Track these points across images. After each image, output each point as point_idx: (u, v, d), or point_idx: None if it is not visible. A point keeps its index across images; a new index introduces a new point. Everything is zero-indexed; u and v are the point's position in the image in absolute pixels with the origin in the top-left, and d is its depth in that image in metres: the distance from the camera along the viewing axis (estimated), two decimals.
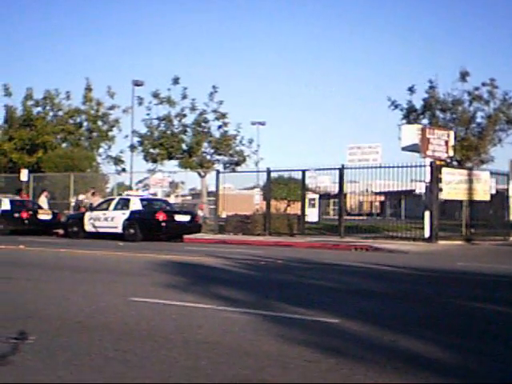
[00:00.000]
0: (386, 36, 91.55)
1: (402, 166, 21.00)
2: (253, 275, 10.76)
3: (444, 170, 21.05)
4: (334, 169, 22.49)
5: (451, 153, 22.43)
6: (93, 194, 27.43)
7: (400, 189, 26.56)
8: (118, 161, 37.01)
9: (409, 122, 28.09)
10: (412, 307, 7.45)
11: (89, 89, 37.08)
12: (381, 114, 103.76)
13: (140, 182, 34.72)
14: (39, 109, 37.27)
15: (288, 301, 7.48)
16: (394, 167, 20.88)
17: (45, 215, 25.89)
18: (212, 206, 32.13)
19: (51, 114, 37.43)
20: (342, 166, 22.10)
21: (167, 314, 6.51)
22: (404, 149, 21.72)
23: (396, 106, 29.93)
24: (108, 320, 6.13)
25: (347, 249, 18.60)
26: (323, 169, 23.46)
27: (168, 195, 31.01)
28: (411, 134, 21.59)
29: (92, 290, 8.25)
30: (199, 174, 31.08)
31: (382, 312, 6.96)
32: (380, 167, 20.95)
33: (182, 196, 39.67)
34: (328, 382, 4.08)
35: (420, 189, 22.74)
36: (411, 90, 29.57)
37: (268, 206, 24.57)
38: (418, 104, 29.92)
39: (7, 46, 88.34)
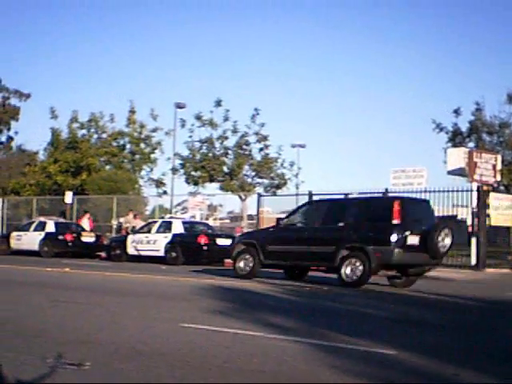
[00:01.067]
0: (431, 56, 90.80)
1: (449, 191, 20.57)
2: (299, 301, 10.64)
3: (492, 194, 20.61)
4: (378, 193, 22.20)
5: (498, 177, 21.98)
6: (134, 216, 27.67)
7: (441, 214, 26.04)
8: (159, 183, 37.36)
9: (454, 146, 27.65)
10: (470, 338, 7.22)
11: (132, 111, 37.66)
12: (425, 137, 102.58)
13: (178, 204, 34.89)
14: (84, 131, 37.96)
15: (338, 329, 7.34)
16: (440, 191, 20.44)
17: (88, 238, 26.20)
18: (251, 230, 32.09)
19: (95, 136, 38.09)
20: (386, 189, 21.82)
21: (219, 341, 6.44)
22: (450, 173, 21.36)
23: (441, 129, 29.53)
24: (161, 346, 6.09)
25: None
26: (366, 193, 23.17)
27: (206, 218, 31.06)
28: (457, 157, 21.24)
29: (141, 315, 8.24)
30: (240, 196, 31.10)
31: (440, 343, 6.76)
32: (425, 191, 20.58)
33: (220, 219, 39.72)
34: None
35: (463, 214, 22.27)
36: (457, 112, 29.17)
37: None
38: (464, 127, 29.49)
39: (54, 68, 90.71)
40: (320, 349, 6.05)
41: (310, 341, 6.42)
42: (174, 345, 6.18)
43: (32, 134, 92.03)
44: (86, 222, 28.15)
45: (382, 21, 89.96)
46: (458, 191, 20.72)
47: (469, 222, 20.52)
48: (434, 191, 20.75)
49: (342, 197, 18.88)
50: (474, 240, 20.26)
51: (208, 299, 10.20)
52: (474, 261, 20.16)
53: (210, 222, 29.86)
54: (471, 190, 20.58)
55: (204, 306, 9.27)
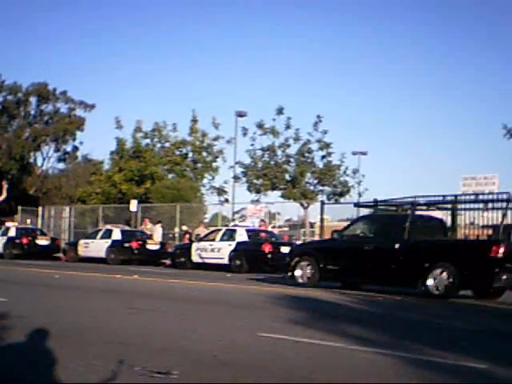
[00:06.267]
0: (502, 60, 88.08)
1: None
2: (374, 312, 10.43)
3: None
4: (446, 202, 21.57)
5: None
6: (200, 225, 27.89)
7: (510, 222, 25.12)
8: (221, 191, 37.60)
9: None
10: None
11: (195, 120, 38.07)
12: (496, 143, 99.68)
13: (237, 212, 34.98)
14: (148, 141, 38.61)
15: (421, 341, 7.13)
16: None
17: (153, 245, 26.55)
18: (312, 238, 31.81)
19: (159, 145, 38.67)
20: (455, 196, 21.20)
21: (300, 351, 6.34)
22: None
23: None
24: (243, 356, 6.05)
25: None
26: (433, 201, 22.56)
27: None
28: None
29: (216, 323, 8.23)
30: (302, 204, 30.94)
31: None
32: (497, 200, 19.86)
33: (279, 227, 39.60)
34: None
35: None
36: None
37: None
38: None
39: (118, 79, 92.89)
40: (408, 362, 5.87)
41: (396, 353, 6.24)
42: (256, 354, 6.12)
43: (97, 143, 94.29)
44: (159, 231, 28.44)
45: (452, 26, 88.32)
46: None
47: None
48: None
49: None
50: None
51: (280, 308, 10.13)
52: None
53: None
54: None
55: (278, 314, 9.20)
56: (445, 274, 12.42)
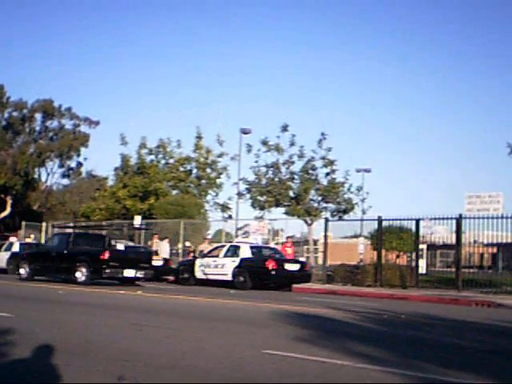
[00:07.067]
0: (509, 78, 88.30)
1: None
2: (380, 330, 10.36)
3: None
4: (451, 218, 21.63)
5: None
6: (205, 239, 27.88)
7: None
8: (225, 207, 37.60)
9: None
10: None
11: (199, 137, 38.20)
12: (500, 162, 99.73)
13: (240, 228, 34.94)
14: (152, 157, 38.73)
15: (429, 360, 7.07)
16: None
17: (156, 261, 26.45)
18: (315, 255, 31.75)
19: (163, 161, 38.79)
20: (460, 215, 21.24)
21: (307, 369, 6.30)
22: None
23: None
24: (251, 373, 6.01)
25: (467, 304, 17.66)
26: (439, 218, 22.60)
27: (266, 242, 30.90)
28: None
29: (223, 340, 8.19)
30: (306, 221, 30.88)
31: None
32: (502, 218, 19.90)
33: (282, 243, 39.52)
34: None
35: None
36: None
37: (379, 256, 23.92)
38: None
39: (122, 96, 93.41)
40: (416, 381, 5.82)
41: (404, 372, 6.19)
42: (263, 372, 6.08)
43: (101, 159, 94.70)
44: (166, 246, 28.40)
45: (453, 41, 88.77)
46: None
47: None
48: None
49: None
50: None
51: (286, 325, 10.08)
52: None
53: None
54: None
55: (284, 332, 9.16)
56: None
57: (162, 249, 27.97)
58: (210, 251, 24.52)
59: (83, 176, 53.10)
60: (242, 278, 21.97)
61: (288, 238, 28.02)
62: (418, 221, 22.92)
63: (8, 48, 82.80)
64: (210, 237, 32.35)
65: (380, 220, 24.22)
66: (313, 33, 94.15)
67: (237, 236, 31.27)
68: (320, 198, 31.05)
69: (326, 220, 26.77)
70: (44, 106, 51.63)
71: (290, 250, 26.00)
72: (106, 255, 20.89)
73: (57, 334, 8.30)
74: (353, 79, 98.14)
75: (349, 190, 30.82)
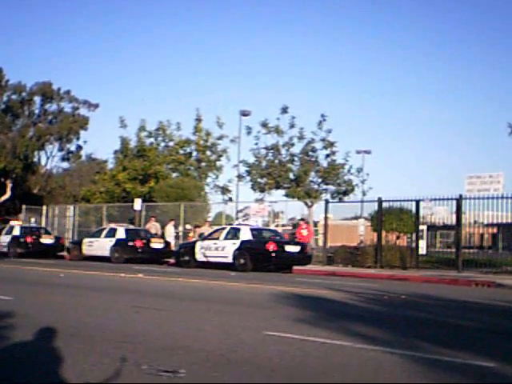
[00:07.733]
0: (505, 59, 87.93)
1: None
2: (380, 310, 10.38)
3: None
4: (451, 199, 21.59)
5: None
6: (205, 223, 27.90)
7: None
8: (225, 190, 37.57)
9: None
10: None
11: (199, 119, 38.05)
12: (500, 142, 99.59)
13: (240, 211, 34.95)
14: (152, 140, 38.60)
15: (429, 340, 7.09)
16: None
17: (157, 244, 26.55)
18: (316, 237, 31.72)
19: (163, 144, 38.68)
20: (460, 196, 21.20)
21: (307, 350, 6.30)
22: None
23: None
24: (250, 354, 6.02)
25: (467, 284, 17.70)
26: (439, 199, 22.57)
27: (267, 225, 30.93)
28: None
29: (223, 322, 8.20)
30: (306, 203, 30.87)
31: None
32: (502, 197, 19.86)
33: (282, 226, 39.58)
34: None
35: None
36: None
37: (379, 237, 23.94)
38: None
39: (122, 79, 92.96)
40: (416, 361, 5.83)
41: (404, 352, 6.20)
42: (263, 354, 6.09)
43: (100, 142, 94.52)
44: (172, 229, 28.39)
45: (458, 25, 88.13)
46: None
47: None
48: None
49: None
50: None
51: (286, 306, 10.10)
52: None
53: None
54: None
55: (284, 313, 9.17)
56: None
57: (167, 232, 27.98)
58: (210, 234, 24.54)
59: (83, 159, 53.01)
60: (242, 260, 22.01)
61: (302, 220, 27.77)
62: (418, 202, 22.90)
63: (7, 31, 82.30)
64: (210, 219, 32.39)
65: (380, 201, 24.20)
66: (313, 17, 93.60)
67: (237, 218, 31.26)
68: (320, 180, 31.01)
69: (326, 202, 26.75)
70: (43, 89, 51.41)
71: (305, 232, 25.85)
72: None
73: (57, 316, 8.31)
74: (353, 62, 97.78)
75: (349, 171, 30.80)
